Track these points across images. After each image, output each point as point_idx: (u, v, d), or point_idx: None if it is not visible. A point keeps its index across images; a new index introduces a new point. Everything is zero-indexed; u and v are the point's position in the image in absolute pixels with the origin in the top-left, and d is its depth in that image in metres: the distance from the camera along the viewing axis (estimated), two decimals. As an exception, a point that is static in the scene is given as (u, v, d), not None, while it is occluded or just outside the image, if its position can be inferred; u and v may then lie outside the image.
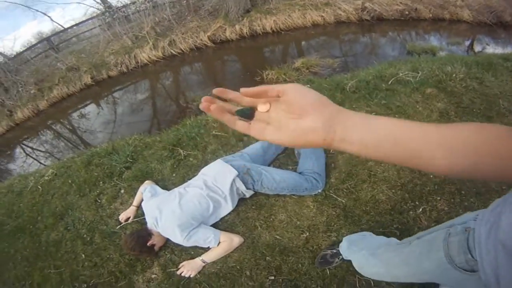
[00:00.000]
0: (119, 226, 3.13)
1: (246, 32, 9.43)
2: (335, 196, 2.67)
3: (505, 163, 0.52)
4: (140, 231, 2.64)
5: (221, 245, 2.51)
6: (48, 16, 20.08)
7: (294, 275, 2.33)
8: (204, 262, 2.54)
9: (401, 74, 3.86)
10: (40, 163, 7.65)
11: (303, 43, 8.62)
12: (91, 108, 9.58)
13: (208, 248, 2.57)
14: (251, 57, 8.91)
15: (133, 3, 12.73)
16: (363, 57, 7.03)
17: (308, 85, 4.12)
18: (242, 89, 0.62)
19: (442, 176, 2.50)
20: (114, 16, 12.30)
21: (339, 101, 3.61)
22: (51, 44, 14.26)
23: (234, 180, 2.62)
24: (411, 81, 3.72)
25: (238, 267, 2.49)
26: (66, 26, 16.74)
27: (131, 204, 3.23)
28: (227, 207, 2.72)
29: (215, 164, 2.81)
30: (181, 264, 2.59)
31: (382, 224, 2.40)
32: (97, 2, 13.91)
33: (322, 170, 2.79)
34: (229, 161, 2.75)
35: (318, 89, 3.76)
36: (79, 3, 16.06)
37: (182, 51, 10.26)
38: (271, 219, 2.69)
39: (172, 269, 2.62)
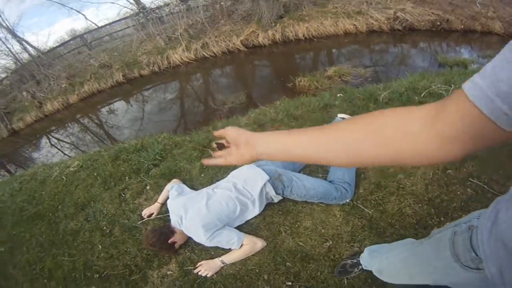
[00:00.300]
0: (140, 222, 3.15)
1: (279, 38, 9.45)
2: (362, 207, 2.63)
3: (384, 150, 0.68)
4: (163, 227, 2.64)
5: (243, 247, 2.50)
6: (82, 14, 20.74)
7: (312, 282, 2.32)
8: (223, 263, 2.54)
9: (433, 87, 3.77)
10: (65, 154, 7.88)
11: (334, 51, 8.58)
12: (120, 105, 9.80)
13: (229, 250, 2.56)
14: (283, 63, 8.95)
15: (167, 5, 12.94)
16: (394, 67, 6.97)
17: (341, 94, 4.10)
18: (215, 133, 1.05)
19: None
20: (148, 17, 12.54)
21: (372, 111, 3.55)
22: (84, 41, 14.62)
23: (265, 184, 2.60)
24: (443, 94, 3.63)
25: (257, 270, 2.48)
26: (99, 24, 17.16)
27: (155, 200, 3.25)
28: (254, 211, 2.70)
29: (247, 168, 2.78)
30: (199, 263, 2.59)
31: (406, 238, 2.35)
32: (131, 3, 14.22)
33: (352, 180, 2.76)
34: (261, 166, 2.73)
35: (351, 99, 3.76)
36: (113, 3, 16.41)
37: (215, 54, 10.40)
38: (297, 226, 2.67)
39: (189, 267, 2.62)
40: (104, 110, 9.92)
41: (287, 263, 2.44)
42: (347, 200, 2.67)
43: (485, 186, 2.50)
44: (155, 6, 13.12)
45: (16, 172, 7.57)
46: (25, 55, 14.29)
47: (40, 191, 4.35)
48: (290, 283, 2.34)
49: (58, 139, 9.28)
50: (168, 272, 2.68)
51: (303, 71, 6.80)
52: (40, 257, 3.34)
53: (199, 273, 2.52)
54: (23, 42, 14.70)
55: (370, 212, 2.58)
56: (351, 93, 4.08)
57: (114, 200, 3.53)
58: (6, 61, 14.01)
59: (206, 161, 1.06)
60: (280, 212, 2.77)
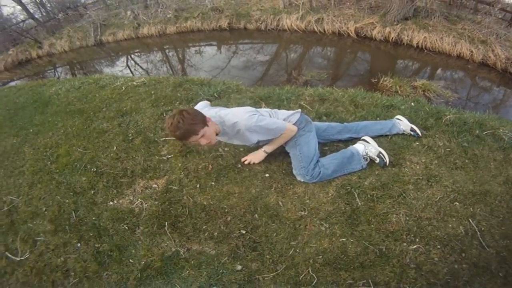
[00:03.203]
0: (163, 139, 3.74)
1: (392, 38, 9.52)
2: (356, 195, 2.86)
3: None
4: None
5: (283, 134, 2.75)
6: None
7: (262, 239, 2.68)
8: (266, 153, 3.02)
9: (501, 130, 3.77)
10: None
11: (437, 68, 8.58)
12: (210, 49, 10.56)
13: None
14: (381, 62, 9.14)
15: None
16: (482, 105, 6.85)
17: (412, 103, 4.22)
18: None
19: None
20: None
21: (429, 126, 3.68)
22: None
23: (295, 113, 2.91)
24: (504, 139, 3.65)
25: (226, 210, 2.92)
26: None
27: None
28: None
29: None
30: (246, 157, 3.13)
31: (371, 239, 2.56)
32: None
33: (328, 176, 3.00)
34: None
35: (418, 110, 3.95)
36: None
37: (324, 31, 10.71)
38: (289, 188, 3.02)
39: (174, 187, 3.15)
40: (193, 49, 10.79)
41: (255, 215, 2.85)
42: (302, 179, 2.98)
43: (478, 233, 2.54)
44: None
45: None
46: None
47: (95, 93, 5.18)
48: (244, 232, 2.75)
49: (135, 62, 10.40)
50: (154, 185, 3.25)
51: (392, 73, 7.06)
52: (58, 144, 4.13)
53: (246, 162, 3.10)
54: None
55: (360, 203, 2.81)
56: (422, 105, 4.13)
57: (153, 116, 4.15)
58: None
59: None
60: (284, 172, 3.14)
